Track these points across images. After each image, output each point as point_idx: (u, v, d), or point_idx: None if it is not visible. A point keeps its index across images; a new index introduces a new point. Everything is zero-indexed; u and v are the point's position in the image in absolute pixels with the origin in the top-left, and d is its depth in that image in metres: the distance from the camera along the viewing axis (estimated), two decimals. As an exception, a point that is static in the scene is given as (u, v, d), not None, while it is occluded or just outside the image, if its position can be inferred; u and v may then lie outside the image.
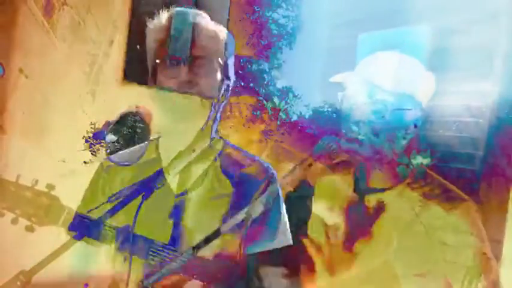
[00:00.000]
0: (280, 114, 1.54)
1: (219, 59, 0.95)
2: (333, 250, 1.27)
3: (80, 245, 1.27)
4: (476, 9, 1.44)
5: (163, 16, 0.95)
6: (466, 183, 1.41)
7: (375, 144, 1.37)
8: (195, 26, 0.94)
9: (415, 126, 1.35)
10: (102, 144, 1.46)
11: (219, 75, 0.95)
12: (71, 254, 1.31)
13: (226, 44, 0.98)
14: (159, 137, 1.05)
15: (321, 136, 1.49)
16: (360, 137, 1.37)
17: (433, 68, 1.44)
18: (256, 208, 0.99)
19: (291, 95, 1.55)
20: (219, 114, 0.99)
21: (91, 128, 1.47)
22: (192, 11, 0.96)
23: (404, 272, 1.35)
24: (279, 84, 1.55)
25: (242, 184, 1.01)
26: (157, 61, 0.94)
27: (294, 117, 1.54)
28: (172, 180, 1.02)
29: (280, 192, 1.06)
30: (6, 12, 1.39)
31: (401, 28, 1.50)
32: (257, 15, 1.56)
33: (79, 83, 1.48)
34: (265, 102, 1.54)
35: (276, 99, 1.54)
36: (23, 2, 1.40)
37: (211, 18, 1.23)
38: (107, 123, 1.47)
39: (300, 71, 1.56)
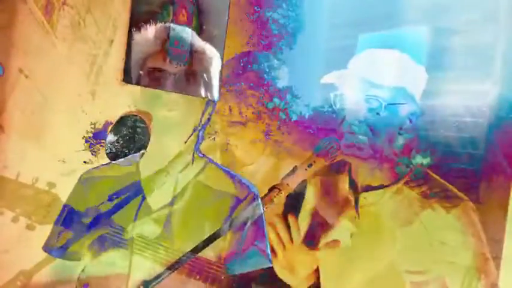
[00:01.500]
0: (280, 114, 1.54)
1: (205, 75, 0.95)
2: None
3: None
4: (477, 9, 1.44)
5: (150, 30, 0.94)
6: (466, 183, 1.41)
7: (373, 144, 1.37)
8: (180, 39, 0.95)
9: (411, 121, 1.35)
10: (102, 144, 1.46)
11: (202, 92, 0.94)
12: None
13: (213, 62, 0.97)
14: (143, 153, 1.03)
15: (321, 136, 1.49)
16: (359, 137, 1.37)
17: (432, 68, 1.44)
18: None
19: (291, 95, 1.55)
20: (202, 133, 0.98)
21: (91, 128, 1.47)
22: (179, 26, 0.97)
23: (403, 270, 1.35)
24: (279, 84, 1.55)
25: (222, 203, 1.00)
26: (141, 72, 0.94)
27: (294, 117, 1.54)
28: (151, 197, 1.00)
29: (263, 213, 1.02)
30: (6, 12, 1.39)
31: (401, 28, 1.50)
32: (257, 15, 1.56)
33: (79, 83, 1.48)
34: (265, 102, 1.53)
35: (276, 99, 1.54)
36: (23, 2, 1.40)
37: (211, 19, 1.23)
38: (107, 123, 1.47)
39: (300, 71, 1.56)
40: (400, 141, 1.39)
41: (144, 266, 1.17)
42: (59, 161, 1.45)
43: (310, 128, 1.52)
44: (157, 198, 0.99)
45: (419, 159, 1.41)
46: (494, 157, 1.42)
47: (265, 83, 1.52)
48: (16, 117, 1.44)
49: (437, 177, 1.41)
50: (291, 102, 1.53)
